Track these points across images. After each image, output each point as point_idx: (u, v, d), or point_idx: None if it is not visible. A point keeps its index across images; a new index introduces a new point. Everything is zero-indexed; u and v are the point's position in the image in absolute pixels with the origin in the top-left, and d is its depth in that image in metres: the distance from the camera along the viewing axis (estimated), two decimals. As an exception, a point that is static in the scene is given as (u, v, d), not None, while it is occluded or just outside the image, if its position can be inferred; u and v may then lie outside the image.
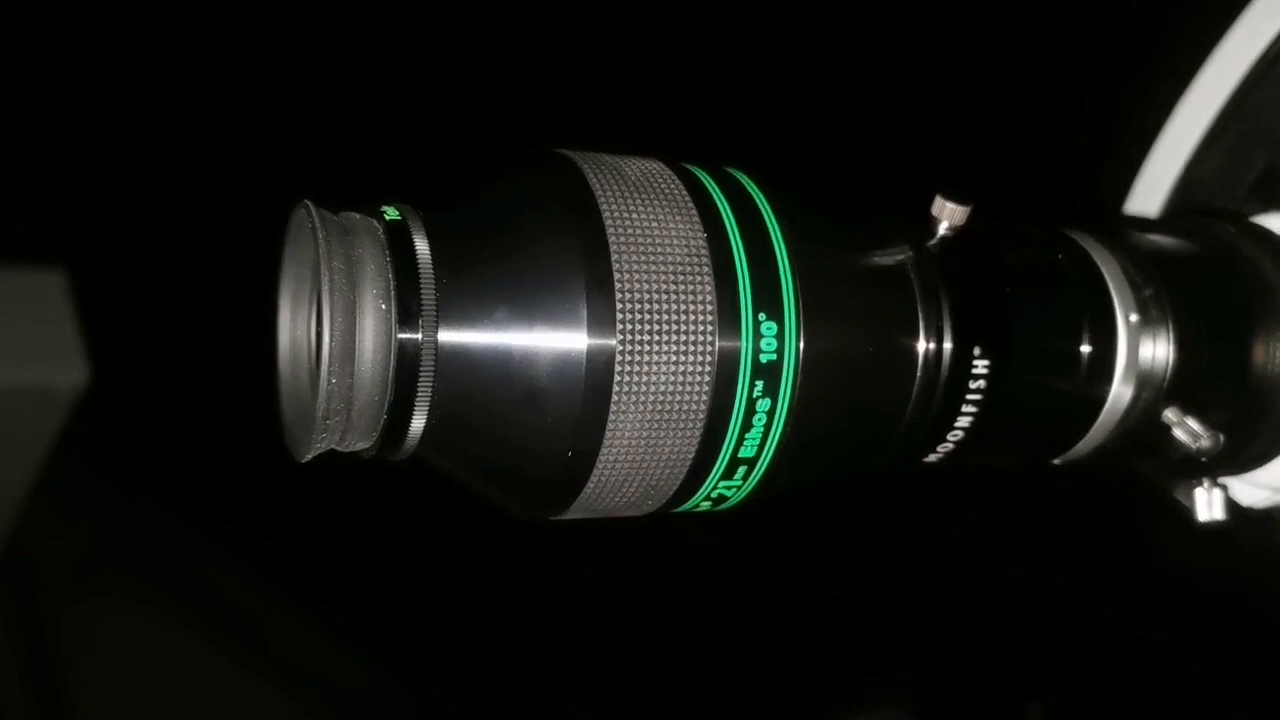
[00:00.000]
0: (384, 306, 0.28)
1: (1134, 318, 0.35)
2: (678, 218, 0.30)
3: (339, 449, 0.29)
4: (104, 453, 0.93)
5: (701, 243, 0.30)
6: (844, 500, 0.82)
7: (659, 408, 0.29)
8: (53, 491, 0.90)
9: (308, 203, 0.29)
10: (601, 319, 0.28)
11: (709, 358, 0.29)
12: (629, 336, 0.28)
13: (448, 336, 0.28)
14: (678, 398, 0.29)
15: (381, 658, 0.89)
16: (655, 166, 0.31)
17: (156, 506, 0.90)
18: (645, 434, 0.29)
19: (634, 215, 0.29)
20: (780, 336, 0.30)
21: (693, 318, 0.29)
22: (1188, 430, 0.35)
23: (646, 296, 0.29)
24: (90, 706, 0.87)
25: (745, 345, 0.30)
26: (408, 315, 0.28)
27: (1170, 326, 0.36)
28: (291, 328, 0.30)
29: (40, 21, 0.80)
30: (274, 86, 0.80)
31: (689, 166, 0.32)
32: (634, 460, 0.30)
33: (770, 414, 0.30)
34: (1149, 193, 0.48)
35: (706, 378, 0.29)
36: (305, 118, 0.80)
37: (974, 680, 0.83)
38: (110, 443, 0.92)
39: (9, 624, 0.90)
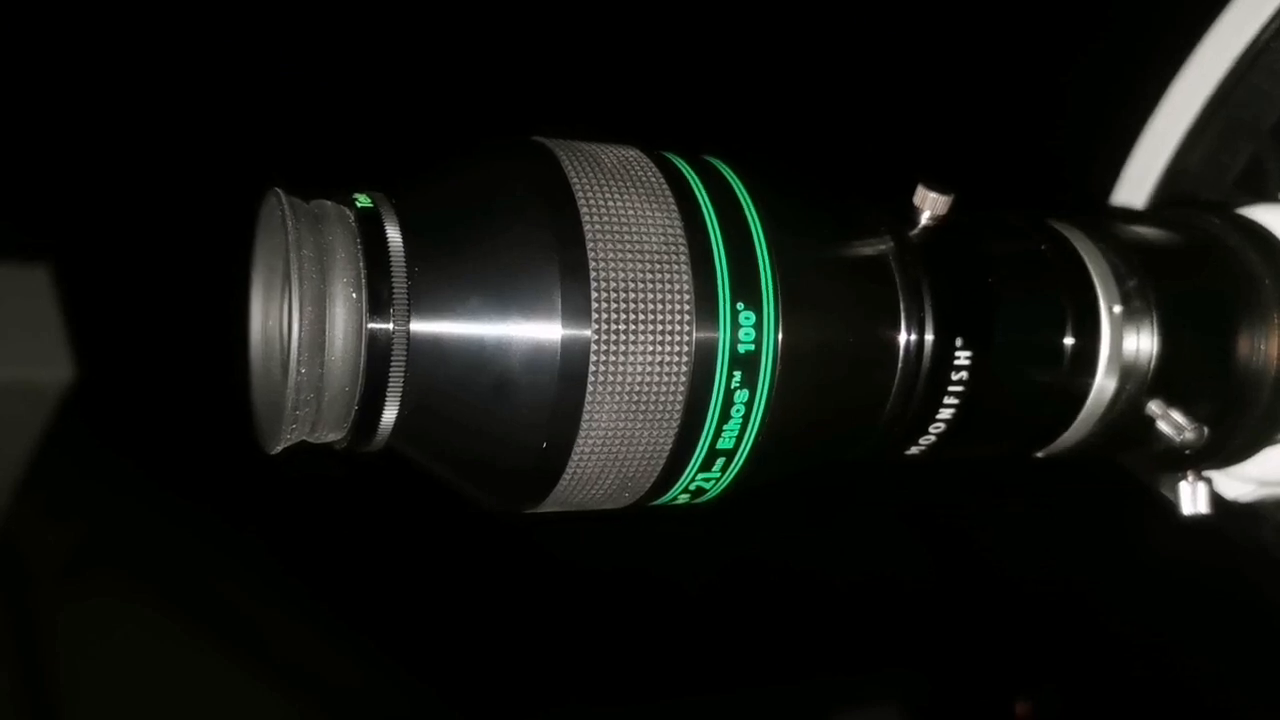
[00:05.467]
0: (354, 295, 0.27)
1: (1117, 309, 0.35)
2: (655, 206, 0.29)
3: (310, 441, 0.29)
4: (91, 449, 0.92)
5: (679, 231, 0.29)
6: (830, 494, 0.82)
7: (635, 399, 0.29)
8: (41, 488, 0.90)
9: (277, 190, 0.28)
10: (576, 309, 0.28)
11: (686, 348, 0.29)
12: (604, 326, 0.28)
13: (420, 326, 0.28)
14: (654, 388, 0.29)
15: (374, 655, 0.88)
16: (633, 154, 0.31)
17: (145, 502, 0.90)
18: (621, 425, 0.29)
19: (610, 203, 0.29)
20: (759, 326, 0.30)
21: (669, 307, 0.29)
22: (1172, 423, 0.35)
23: (622, 286, 0.28)
24: (81, 705, 0.87)
25: (723, 335, 0.29)
26: (379, 304, 0.27)
27: (1154, 318, 0.35)
28: (264, 318, 0.30)
29: (19, 22, 0.79)
30: (258, 80, 0.80)
31: (667, 155, 0.31)
32: (610, 452, 0.29)
33: (749, 405, 0.30)
34: (1135, 185, 0.48)
35: (683, 368, 0.29)
36: (288, 111, 0.79)
37: (962, 675, 0.83)
38: (97, 439, 0.92)
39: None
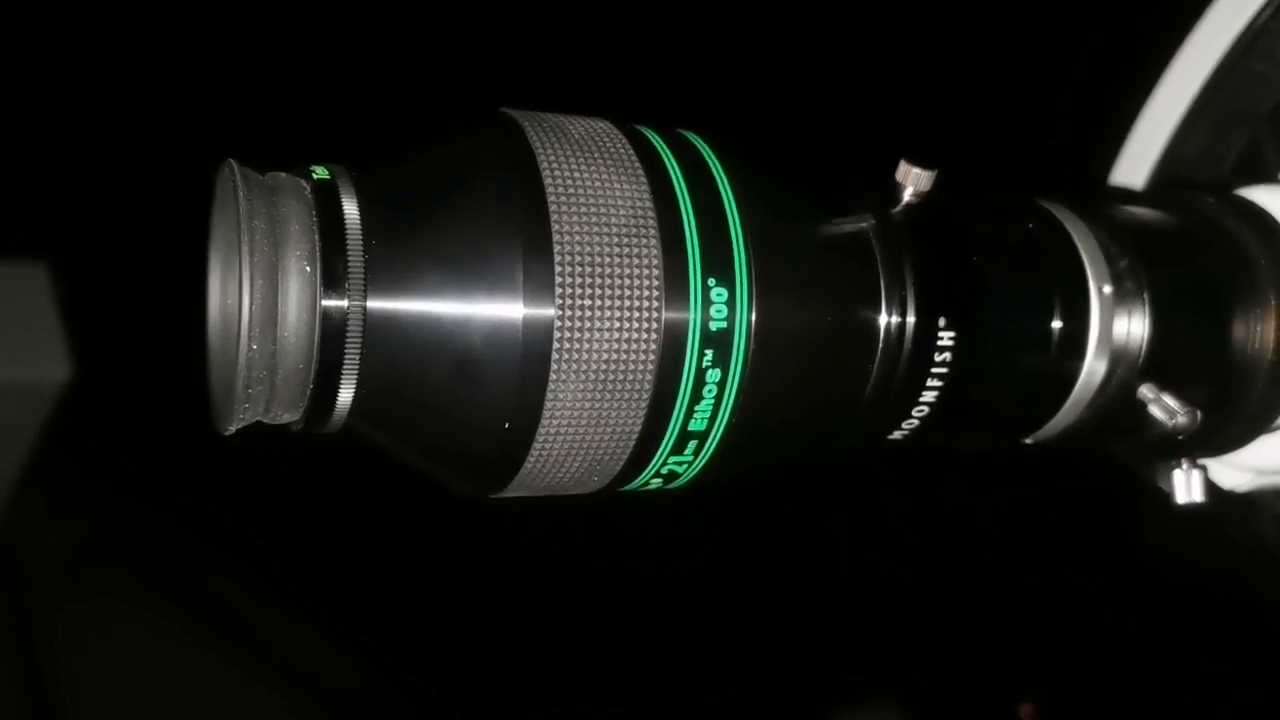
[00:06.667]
0: (308, 269, 0.26)
1: (1107, 289, 0.34)
2: (623, 179, 0.28)
3: (265, 421, 0.28)
4: (90, 449, 0.92)
5: (648, 205, 0.28)
6: (829, 493, 0.81)
7: (602, 378, 0.28)
8: (40, 488, 0.90)
9: (231, 162, 0.27)
10: (539, 285, 0.27)
11: (655, 326, 0.28)
12: (569, 303, 0.27)
13: (377, 303, 0.27)
14: (622, 368, 0.28)
15: (375, 655, 0.88)
16: (602, 126, 0.30)
17: (145, 502, 0.89)
18: (587, 406, 0.28)
19: (576, 175, 0.28)
20: (731, 304, 0.29)
21: (638, 284, 0.28)
22: (1164, 407, 0.34)
23: (588, 261, 0.27)
24: (81, 705, 0.86)
25: (694, 313, 0.28)
26: (333, 279, 0.26)
27: (1146, 299, 0.34)
28: (222, 295, 0.29)
29: (12, 23, 0.79)
30: (250, 72, 0.79)
31: (638, 127, 0.30)
32: (576, 433, 0.28)
33: (721, 385, 0.29)
34: (1132, 169, 0.47)
35: (652, 347, 0.28)
36: (282, 98, 0.79)
37: (962, 675, 0.82)
38: (96, 438, 0.91)
39: (-1, 622, 0.90)
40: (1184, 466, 0.37)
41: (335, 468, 0.74)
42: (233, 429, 0.28)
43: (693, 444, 0.30)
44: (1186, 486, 0.37)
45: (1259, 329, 0.36)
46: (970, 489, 0.77)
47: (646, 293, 0.28)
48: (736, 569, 0.85)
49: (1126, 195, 0.46)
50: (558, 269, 0.27)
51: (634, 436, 0.29)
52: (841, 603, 0.83)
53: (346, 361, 0.27)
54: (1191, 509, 0.37)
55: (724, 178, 0.30)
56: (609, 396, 0.28)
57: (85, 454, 0.92)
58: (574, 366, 0.27)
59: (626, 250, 0.28)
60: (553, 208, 0.27)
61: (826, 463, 0.35)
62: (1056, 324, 0.34)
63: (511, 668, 0.86)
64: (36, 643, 0.88)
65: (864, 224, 0.32)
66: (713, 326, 0.28)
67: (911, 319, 0.31)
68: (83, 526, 0.91)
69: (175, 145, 0.82)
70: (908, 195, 0.32)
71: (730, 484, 0.32)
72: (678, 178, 0.29)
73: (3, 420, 0.89)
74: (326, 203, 0.27)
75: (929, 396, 0.32)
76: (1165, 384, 0.34)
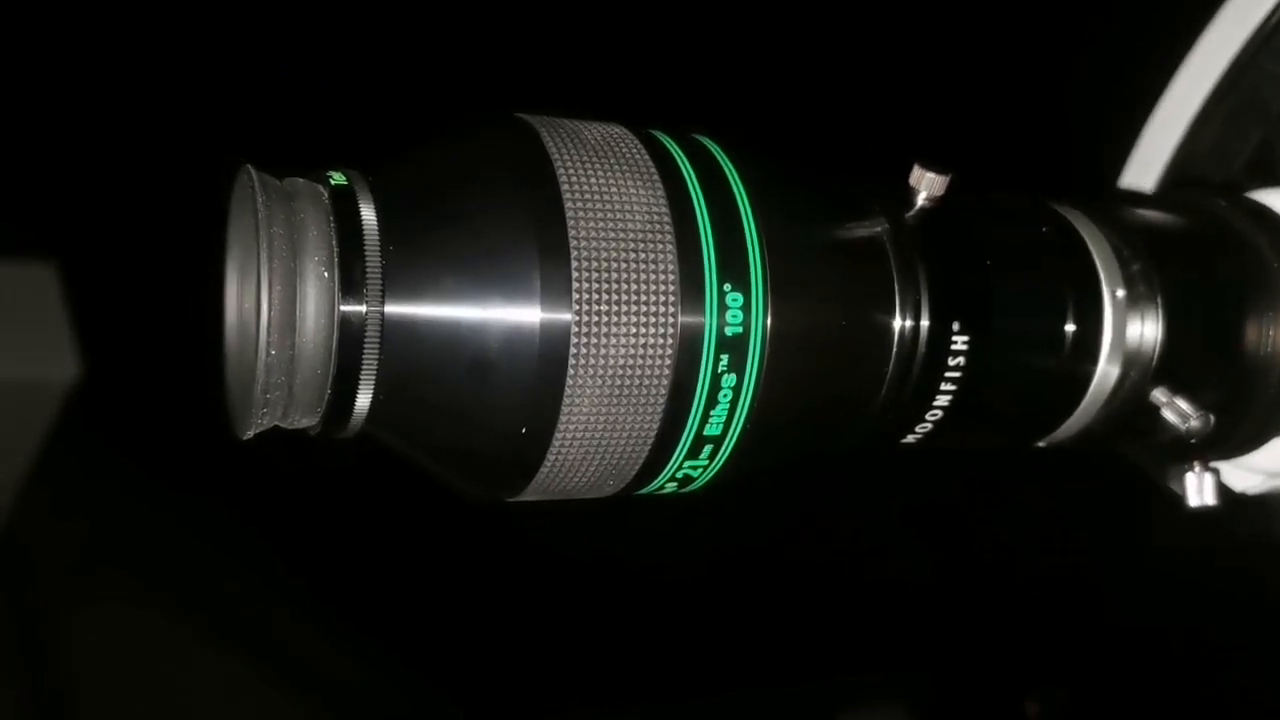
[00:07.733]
0: (326, 275, 0.26)
1: (1120, 293, 0.34)
2: (639, 183, 0.29)
3: (283, 426, 0.28)
4: (97, 448, 0.92)
5: (664, 210, 0.28)
6: (834, 492, 0.81)
7: (618, 383, 0.28)
8: (46, 487, 0.90)
9: (249, 167, 0.27)
10: (556, 290, 0.27)
11: (671, 330, 0.28)
12: (586, 308, 0.27)
13: (394, 308, 0.27)
14: (638, 373, 0.28)
15: (379, 655, 0.88)
16: (617, 131, 0.30)
17: (151, 501, 0.89)
18: (604, 411, 0.28)
19: (592, 180, 0.28)
20: (747, 308, 0.29)
21: (653, 288, 0.28)
22: (1177, 411, 0.34)
23: (604, 266, 0.27)
24: (87, 703, 0.86)
25: (709, 317, 0.28)
26: (351, 284, 0.27)
27: (1159, 303, 0.34)
28: (239, 300, 0.29)
29: (25, 20, 0.79)
30: (252, 68, 0.79)
31: (653, 132, 0.31)
32: (592, 438, 0.28)
33: (736, 390, 0.29)
34: (1143, 170, 0.47)
35: (668, 352, 0.28)
36: (288, 98, 0.79)
37: (968, 675, 0.82)
38: (103, 437, 0.91)
39: (4, 621, 0.90)
40: (1196, 469, 0.37)
41: (339, 468, 0.74)
42: (250, 434, 0.28)
43: (708, 448, 0.30)
44: (1199, 489, 0.37)
45: (1271, 331, 0.36)
46: (974, 489, 0.77)
47: (663, 297, 0.28)
48: (740, 570, 0.85)
49: (1138, 197, 0.46)
50: (574, 274, 0.27)
51: (650, 441, 0.29)
52: (846, 603, 0.83)
53: (364, 366, 0.27)
54: (1203, 511, 0.37)
55: (739, 182, 0.30)
56: (625, 401, 0.28)
57: (92, 453, 0.92)
58: (591, 371, 0.27)
59: (642, 255, 0.28)
60: (569, 213, 0.27)
61: (831, 463, 0.35)
62: (1070, 328, 0.34)
63: (515, 668, 0.86)
64: (43, 642, 0.88)
65: (878, 228, 0.32)
66: (728, 331, 0.28)
67: (925, 323, 0.31)
68: (89, 526, 0.92)
69: (186, 146, 0.82)
70: (921, 199, 0.32)
71: (734, 485, 0.32)
72: (693, 183, 0.29)
73: (10, 419, 0.89)
74: (344, 208, 0.27)
75: (942, 400, 0.32)
76: (1178, 388, 0.34)
